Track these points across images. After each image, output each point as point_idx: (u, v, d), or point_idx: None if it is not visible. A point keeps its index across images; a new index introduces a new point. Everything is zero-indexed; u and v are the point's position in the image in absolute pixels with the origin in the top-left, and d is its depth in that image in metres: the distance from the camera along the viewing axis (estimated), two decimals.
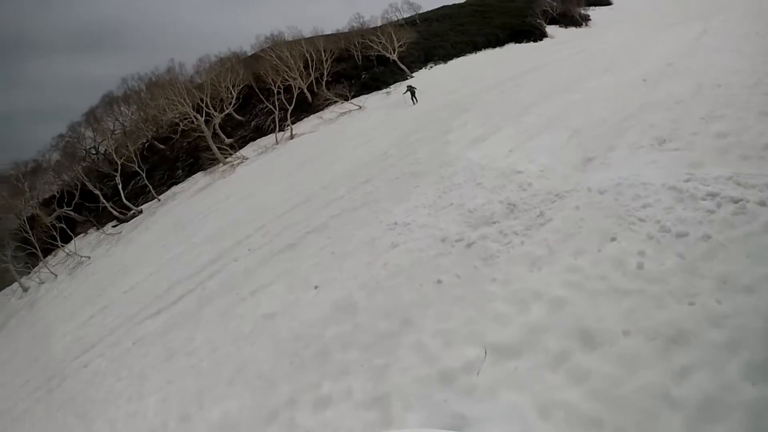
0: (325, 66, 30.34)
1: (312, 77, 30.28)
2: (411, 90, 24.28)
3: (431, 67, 33.45)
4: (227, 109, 29.58)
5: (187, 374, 6.17)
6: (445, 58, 34.54)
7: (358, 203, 8.29)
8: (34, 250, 27.42)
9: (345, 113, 26.82)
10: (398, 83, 29.56)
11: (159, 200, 28.20)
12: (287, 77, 29.11)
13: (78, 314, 14.82)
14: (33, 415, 9.83)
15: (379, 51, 31.89)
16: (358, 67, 32.94)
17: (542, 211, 5.48)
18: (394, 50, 31.68)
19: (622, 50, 14.99)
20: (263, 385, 4.90)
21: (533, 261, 4.64)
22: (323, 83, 30.14)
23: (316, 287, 6.05)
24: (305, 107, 29.77)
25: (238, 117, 31.48)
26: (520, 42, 36.38)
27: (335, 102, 28.30)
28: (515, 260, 4.79)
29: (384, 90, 29.68)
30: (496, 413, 3.21)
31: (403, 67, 31.60)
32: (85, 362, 9.92)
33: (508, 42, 36.66)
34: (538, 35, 36.96)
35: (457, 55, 34.91)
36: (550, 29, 38.05)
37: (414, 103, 23.46)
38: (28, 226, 27.94)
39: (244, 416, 4.70)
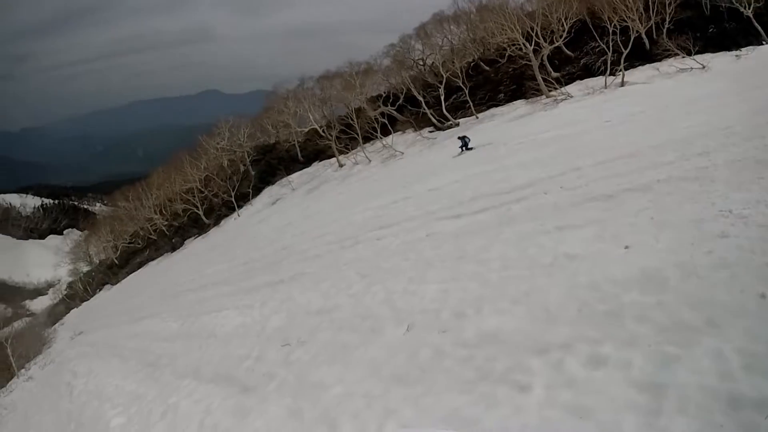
0: (668, 11, 26.33)
1: (652, 21, 26.83)
2: (464, 141, 21.87)
3: None
4: (557, 41, 28.58)
5: (473, 279, 6.62)
6: None
7: (690, 176, 7.49)
8: (356, 136, 32.84)
9: (685, 70, 23.44)
10: (752, 47, 24.08)
11: (477, 118, 29.81)
12: (624, 17, 26.44)
13: (381, 197, 17.17)
14: (322, 260, 12.21)
15: (731, 2, 25.92)
16: (705, 18, 27.67)
17: None
18: (749, 4, 25.01)
19: None
20: (544, 318, 4.94)
21: None
22: (664, 30, 26.52)
23: (626, 247, 5.73)
24: (641, 54, 26.77)
25: (568, 52, 30.32)
26: None
27: (675, 55, 24.73)
28: None
29: (734, 52, 24.42)
30: None
31: (758, 27, 24.92)
32: (379, 236, 11.61)
33: None
34: None
35: None
36: None
37: (461, 152, 21.31)
38: (354, 116, 33.45)
39: (515, 337, 4.83)
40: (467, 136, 22.60)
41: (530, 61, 27.98)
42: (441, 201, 12.15)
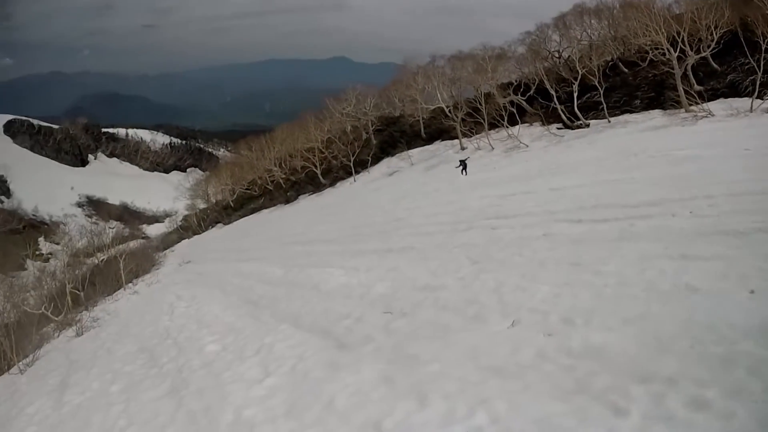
0: None
1: None
2: (463, 164, 25.06)
3: None
4: (704, 51, 25.84)
5: (586, 288, 6.33)
6: None
7: None
8: (482, 121, 32.10)
9: None
10: None
11: (609, 122, 28.11)
12: None
13: (501, 186, 16.79)
14: (433, 238, 12.15)
15: None
16: None
17: None
18: None
19: None
20: (654, 346, 4.66)
21: None
22: None
23: (752, 291, 5.19)
24: None
25: (714, 65, 27.23)
26: None
27: None
28: None
29: None
30: None
31: None
32: (494, 226, 11.37)
33: None
34: None
35: None
36: None
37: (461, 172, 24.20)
38: (482, 100, 32.68)
39: (620, 358, 4.62)
40: (466, 161, 25.78)
41: (673, 68, 25.73)
42: (562, 202, 11.70)
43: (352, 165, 42.65)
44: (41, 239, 71.18)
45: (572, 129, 29.17)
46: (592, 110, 30.33)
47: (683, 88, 25.27)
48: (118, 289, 25.59)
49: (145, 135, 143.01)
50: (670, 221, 8.24)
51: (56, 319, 20.16)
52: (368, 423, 4.94)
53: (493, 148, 30.28)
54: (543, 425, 4.10)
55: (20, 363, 14.31)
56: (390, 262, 10.99)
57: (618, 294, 5.95)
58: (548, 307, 6.07)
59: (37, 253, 59.31)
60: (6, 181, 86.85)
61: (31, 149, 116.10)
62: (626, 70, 32.33)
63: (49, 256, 59.84)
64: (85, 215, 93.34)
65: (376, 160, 43.15)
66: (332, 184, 45.06)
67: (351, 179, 42.39)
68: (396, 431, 4.71)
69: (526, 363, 5.06)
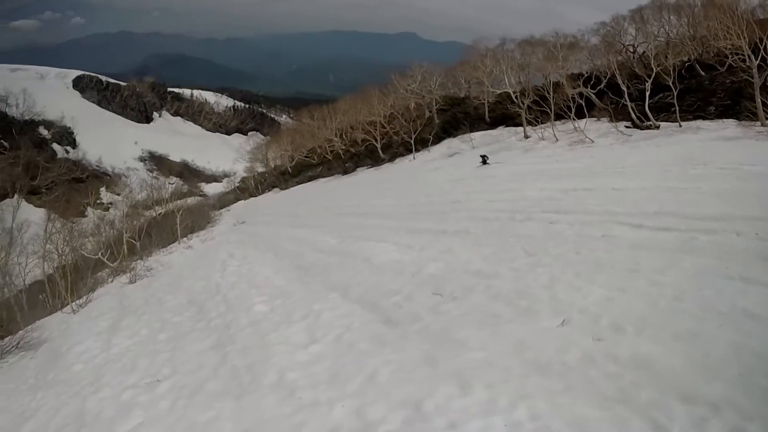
0: None
1: None
2: (483, 159, 26.52)
3: None
4: None
5: (641, 297, 6.17)
6: None
7: None
8: (548, 111, 31.09)
9: None
10: None
11: (680, 126, 26.44)
12: None
13: (561, 180, 16.25)
14: (489, 225, 11.98)
15: None
16: None
17: None
18: None
19: None
20: (702, 367, 4.56)
21: None
22: None
23: None
24: None
25: None
26: None
27: None
28: None
29: None
30: None
31: None
32: (553, 220, 11.07)
33: None
34: None
35: None
36: None
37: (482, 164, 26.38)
38: (550, 89, 31.50)
39: (667, 374, 4.54)
40: (486, 157, 26.80)
41: (752, 77, 23.94)
42: (624, 204, 11.27)
43: (412, 142, 42.15)
44: (103, 189, 74.04)
45: (641, 129, 27.68)
46: (663, 111, 28.61)
47: (761, 100, 23.58)
48: (173, 242, 26.41)
49: (209, 96, 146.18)
50: (734, 240, 7.84)
51: (111, 265, 21.01)
52: (408, 401, 4.98)
53: (557, 140, 29.35)
54: (582, 430, 4.11)
55: (74, 303, 14.92)
56: (444, 244, 10.93)
57: (672, 307, 5.79)
58: (600, 311, 5.97)
59: (98, 202, 61.93)
60: (72, 133, 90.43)
61: (98, 104, 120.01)
62: (703, 73, 30.30)
63: (109, 205, 62.90)
64: (147, 169, 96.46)
65: (437, 139, 42.54)
66: (391, 159, 44.87)
67: (410, 156, 41.98)
68: (435, 413, 4.71)
69: (571, 364, 5.03)
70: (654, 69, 27.80)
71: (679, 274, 6.70)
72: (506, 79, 38.17)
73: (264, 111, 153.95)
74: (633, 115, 28.27)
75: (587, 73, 33.82)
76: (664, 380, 4.46)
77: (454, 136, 41.26)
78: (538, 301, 6.64)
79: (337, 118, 54.49)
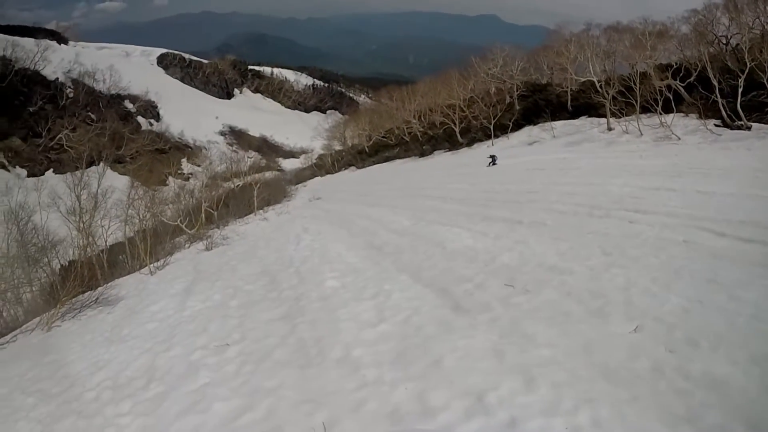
0: None
1: None
2: (492, 158, 27.06)
3: None
4: None
5: (720, 312, 5.81)
6: None
7: None
8: (633, 102, 29.29)
9: None
10: None
11: None
12: None
13: (644, 177, 15.49)
14: (566, 218, 11.68)
15: None
16: None
17: None
18: None
19: None
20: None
21: None
22: None
23: None
24: None
25: None
26: None
27: None
28: None
29: None
30: None
31: None
32: (632, 219, 10.58)
33: None
34: None
35: None
36: None
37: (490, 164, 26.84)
38: (637, 79, 29.55)
39: (738, 398, 4.33)
40: (495, 157, 27.10)
41: None
42: (708, 209, 10.61)
43: (491, 128, 41.35)
44: (184, 160, 77.37)
45: (731, 129, 25.37)
46: (756, 111, 26.00)
47: None
48: (249, 214, 27.26)
49: (289, 75, 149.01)
50: None
51: (189, 232, 21.96)
52: (472, 391, 4.98)
53: (641, 134, 27.76)
54: None
55: (152, 265, 15.86)
56: (519, 234, 10.78)
57: (751, 327, 5.41)
58: (675, 321, 5.71)
59: (179, 172, 65.12)
60: (157, 107, 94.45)
61: (181, 80, 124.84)
62: None
63: (190, 175, 65.40)
64: (227, 143, 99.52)
65: (517, 126, 41.56)
66: (469, 144, 44.28)
67: (489, 142, 40.98)
68: (498, 407, 4.69)
69: (640, 374, 4.86)
70: (748, 63, 25.40)
71: (760, 291, 6.27)
72: (590, 67, 36.59)
73: (343, 90, 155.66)
74: (723, 113, 26.14)
75: (676, 64, 31.43)
76: (735, 405, 4.25)
77: (535, 124, 40.24)
78: (612, 303, 6.44)
79: (416, 99, 54.39)
